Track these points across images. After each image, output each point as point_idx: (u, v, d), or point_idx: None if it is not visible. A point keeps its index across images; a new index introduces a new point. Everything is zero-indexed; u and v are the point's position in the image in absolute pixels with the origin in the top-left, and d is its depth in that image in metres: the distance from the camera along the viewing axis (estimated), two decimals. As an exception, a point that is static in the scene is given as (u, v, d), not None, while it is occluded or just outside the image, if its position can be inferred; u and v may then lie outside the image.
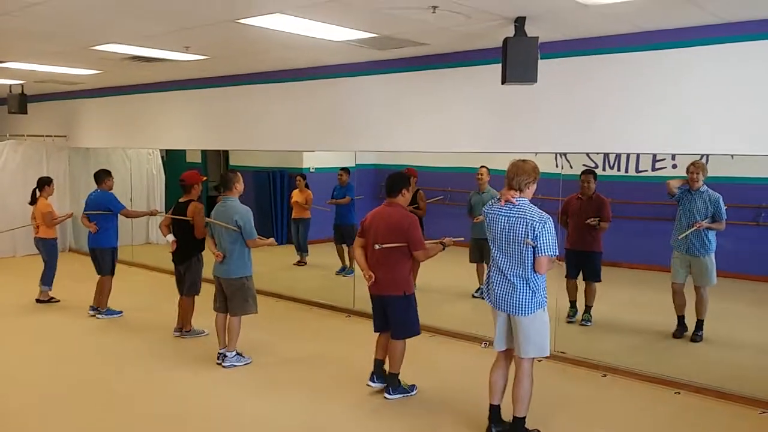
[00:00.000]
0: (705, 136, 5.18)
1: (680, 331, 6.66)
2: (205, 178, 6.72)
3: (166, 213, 7.16)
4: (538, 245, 4.17)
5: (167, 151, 12.83)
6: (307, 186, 10.31)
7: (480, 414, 4.70)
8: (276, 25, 5.33)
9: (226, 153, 13.05)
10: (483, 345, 6.49)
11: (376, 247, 4.94)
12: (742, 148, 5.09)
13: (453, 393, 5.37)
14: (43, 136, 11.72)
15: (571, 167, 9.87)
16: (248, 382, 5.64)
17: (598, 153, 8.83)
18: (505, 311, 4.34)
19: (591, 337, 6.84)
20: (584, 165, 9.80)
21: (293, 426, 4.80)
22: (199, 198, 6.65)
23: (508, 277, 4.29)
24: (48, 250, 8.20)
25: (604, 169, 10.01)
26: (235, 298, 5.92)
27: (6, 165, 11.24)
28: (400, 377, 5.25)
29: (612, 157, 9.87)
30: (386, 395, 5.22)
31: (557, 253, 4.25)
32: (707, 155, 6.85)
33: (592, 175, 7.16)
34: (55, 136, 11.77)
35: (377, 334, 5.31)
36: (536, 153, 6.48)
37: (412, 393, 5.27)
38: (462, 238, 5.38)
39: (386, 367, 5.31)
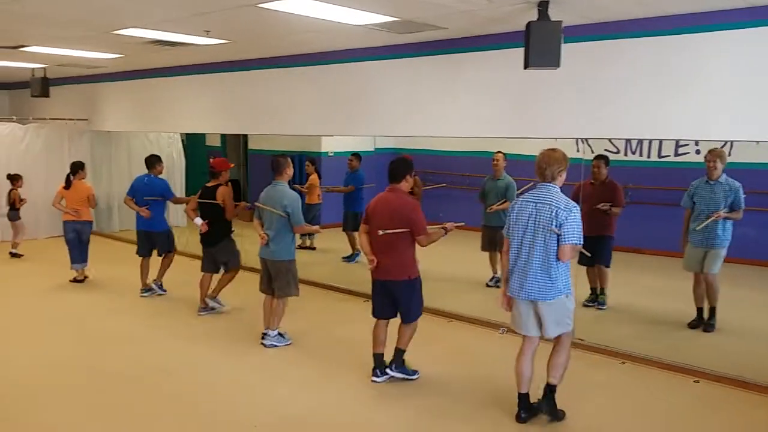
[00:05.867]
0: (728, 122, 5.09)
1: (698, 321, 6.58)
2: (233, 165, 6.97)
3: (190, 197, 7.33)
4: (563, 233, 4.23)
5: (187, 135, 12.89)
6: (317, 170, 10.32)
7: (503, 395, 4.81)
8: (296, 9, 5.31)
9: (245, 137, 13.10)
10: (501, 331, 6.50)
11: (380, 233, 4.99)
12: (765, 135, 5.00)
13: (475, 377, 5.42)
14: (65, 119, 11.81)
15: (593, 152, 9.78)
16: (268, 364, 5.74)
17: (619, 138, 8.72)
18: (528, 298, 4.40)
19: (609, 324, 6.82)
20: (606, 150, 9.74)
21: (312, 408, 4.85)
22: (227, 182, 6.90)
23: (531, 264, 4.34)
24: (89, 232, 8.47)
25: (625, 154, 9.93)
26: (278, 279, 6.03)
27: (29, 148, 11.38)
28: (406, 360, 5.35)
29: (634, 143, 9.77)
30: (388, 370, 5.29)
31: (581, 242, 4.31)
32: (731, 142, 6.75)
33: (604, 161, 7.09)
34: (76, 119, 11.86)
35: (375, 323, 5.34)
36: (556, 138, 6.43)
37: (413, 377, 5.35)
38: (463, 223, 5.42)
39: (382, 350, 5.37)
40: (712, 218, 6.19)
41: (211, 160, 7.09)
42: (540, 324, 4.46)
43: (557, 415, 4.57)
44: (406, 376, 5.32)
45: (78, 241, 8.41)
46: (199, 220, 6.85)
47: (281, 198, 5.93)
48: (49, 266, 9.32)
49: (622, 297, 7.44)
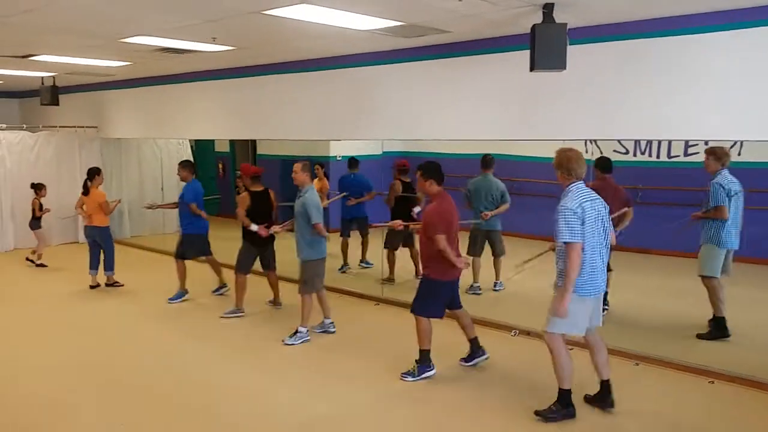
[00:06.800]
0: (737, 121, 5.06)
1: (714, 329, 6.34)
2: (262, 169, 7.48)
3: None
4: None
5: (196, 141, 12.95)
6: (326, 175, 10.27)
7: (522, 394, 4.94)
8: (302, 15, 5.32)
9: (253, 142, 13.15)
10: (513, 333, 6.50)
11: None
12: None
13: (493, 377, 5.48)
14: (75, 127, 11.90)
15: (601, 153, 9.78)
16: (283, 367, 5.78)
17: (628, 139, 8.69)
18: (603, 291, 4.69)
19: (622, 326, 6.77)
20: (614, 150, 9.70)
21: (325, 412, 4.85)
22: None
23: (605, 260, 4.60)
24: (105, 237, 8.57)
25: (635, 155, 9.89)
26: None
27: (39, 156, 11.46)
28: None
29: (643, 143, 9.73)
30: (476, 360, 5.69)
31: None
32: (740, 141, 6.71)
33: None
34: (86, 127, 11.94)
35: (428, 322, 5.45)
36: (565, 140, 6.41)
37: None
38: None
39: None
40: (690, 222, 6.22)
41: (253, 167, 7.47)
42: None
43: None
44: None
45: (96, 246, 8.54)
46: (254, 226, 7.00)
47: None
48: (65, 272, 9.41)
49: (633, 298, 7.40)
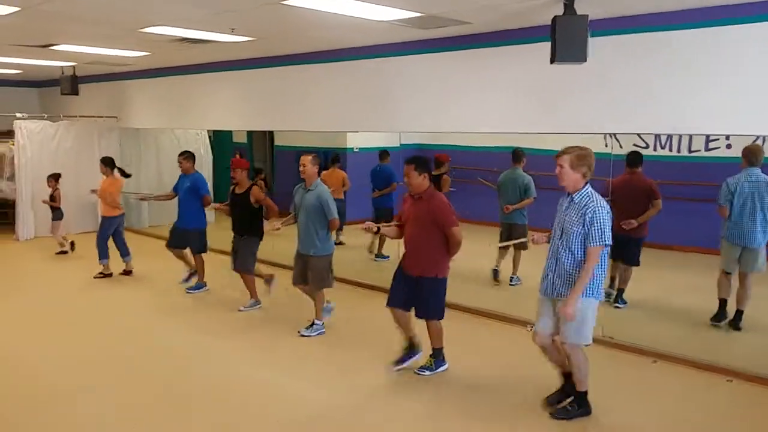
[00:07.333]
0: (760, 116, 4.96)
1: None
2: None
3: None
4: None
5: (214, 131, 12.99)
6: (340, 167, 10.18)
7: (536, 390, 4.89)
8: (320, 5, 5.31)
9: (271, 133, 13.15)
10: (528, 328, 6.46)
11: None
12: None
13: (507, 374, 5.45)
14: (94, 117, 11.98)
15: (621, 147, 9.61)
16: (296, 359, 5.78)
17: (648, 133, 8.58)
18: None
19: (639, 323, 6.71)
20: (634, 144, 9.57)
21: (336, 403, 4.86)
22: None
23: None
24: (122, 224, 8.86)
25: (655, 149, 9.75)
26: None
27: (60, 145, 11.54)
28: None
29: (663, 137, 9.61)
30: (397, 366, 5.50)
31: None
32: (763, 136, 6.61)
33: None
34: (106, 116, 12.02)
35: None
36: (583, 134, 6.34)
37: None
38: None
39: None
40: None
41: (245, 160, 7.65)
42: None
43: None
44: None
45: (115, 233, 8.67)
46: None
47: None
48: (84, 261, 9.42)
49: (651, 294, 7.32)
